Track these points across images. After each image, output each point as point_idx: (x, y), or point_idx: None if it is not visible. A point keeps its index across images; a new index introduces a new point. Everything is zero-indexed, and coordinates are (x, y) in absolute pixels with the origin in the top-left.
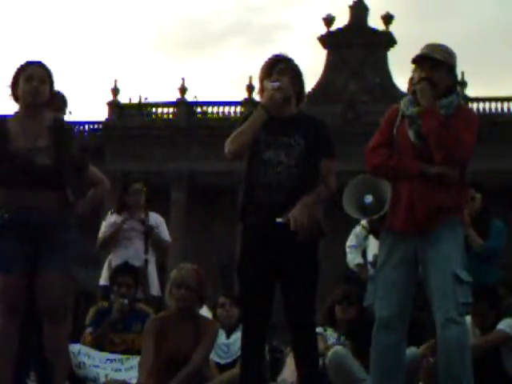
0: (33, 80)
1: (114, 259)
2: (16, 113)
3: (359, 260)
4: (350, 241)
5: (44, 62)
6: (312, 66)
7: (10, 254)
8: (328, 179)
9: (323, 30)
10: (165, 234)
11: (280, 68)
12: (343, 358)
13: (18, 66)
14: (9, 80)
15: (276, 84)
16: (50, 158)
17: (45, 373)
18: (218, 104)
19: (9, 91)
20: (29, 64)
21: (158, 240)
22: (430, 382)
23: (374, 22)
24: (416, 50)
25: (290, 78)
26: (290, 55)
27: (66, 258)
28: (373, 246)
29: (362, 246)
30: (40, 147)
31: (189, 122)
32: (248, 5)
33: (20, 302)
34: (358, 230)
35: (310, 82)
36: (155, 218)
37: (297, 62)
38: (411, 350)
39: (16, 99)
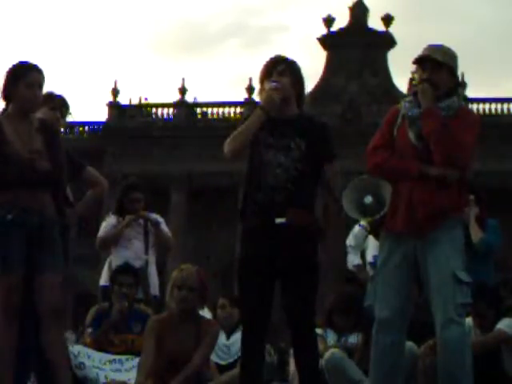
0: (34, 87)
1: (114, 260)
2: (4, 111)
3: (358, 261)
4: (349, 241)
5: (38, 64)
6: (310, 66)
7: (10, 255)
8: (332, 183)
9: (321, 31)
10: (167, 232)
11: (280, 69)
12: (340, 360)
13: (14, 67)
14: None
15: (274, 84)
16: (47, 160)
17: (45, 373)
18: (218, 105)
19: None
20: (28, 69)
21: (163, 236)
22: (427, 381)
23: (374, 22)
24: (416, 51)
25: (290, 79)
26: (290, 56)
27: (63, 259)
28: (372, 247)
29: (360, 247)
30: (36, 150)
31: (189, 122)
32: (245, 7)
33: (19, 303)
34: (356, 230)
35: (307, 83)
36: (155, 219)
37: (298, 63)
38: (409, 346)
39: (8, 99)
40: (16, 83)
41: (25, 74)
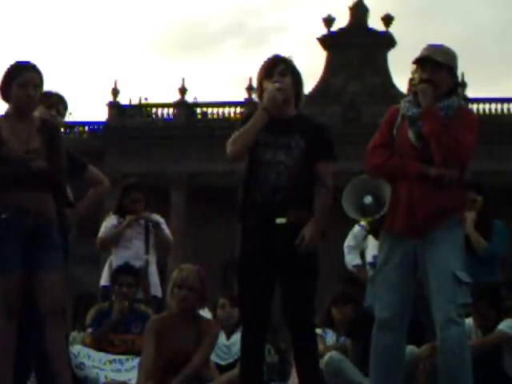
0: (27, 86)
1: (114, 260)
2: (6, 112)
3: (357, 261)
4: (348, 241)
5: (34, 62)
6: (310, 66)
7: (7, 255)
8: (326, 181)
9: (321, 31)
10: (168, 233)
11: (281, 69)
12: (339, 363)
13: (9, 66)
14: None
15: (278, 84)
16: (44, 160)
17: (45, 373)
18: (218, 105)
19: None
20: (23, 68)
21: (164, 236)
22: (428, 382)
23: (374, 22)
24: (416, 51)
25: (291, 79)
26: (289, 56)
27: (63, 259)
28: (371, 247)
29: (360, 247)
30: (33, 149)
31: (189, 122)
32: (244, 7)
33: (18, 303)
34: (356, 230)
35: (307, 83)
36: (157, 219)
37: (295, 62)
38: (409, 349)
39: (6, 99)
40: (10, 83)
41: (18, 74)
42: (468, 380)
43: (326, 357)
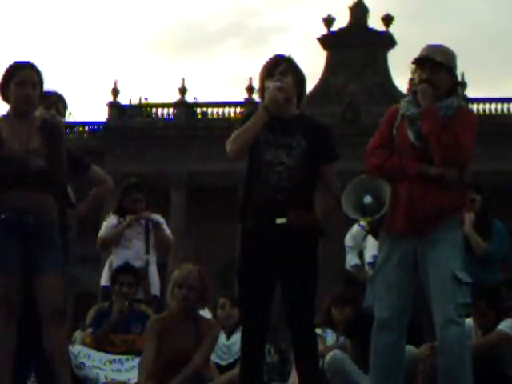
0: (25, 85)
1: (114, 260)
2: (7, 113)
3: (356, 261)
4: (347, 242)
5: (33, 61)
6: (310, 66)
7: (6, 255)
8: (332, 183)
9: (321, 31)
10: (168, 233)
11: (282, 68)
12: (341, 362)
13: (7, 66)
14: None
15: (278, 83)
16: (44, 159)
17: (45, 374)
18: (218, 105)
19: None
20: (21, 67)
21: (164, 236)
22: (428, 382)
23: (374, 22)
24: (416, 51)
25: (292, 79)
26: (291, 56)
27: (62, 259)
28: (371, 247)
29: (358, 247)
30: (33, 149)
31: (189, 122)
32: (244, 7)
33: (18, 303)
34: (354, 230)
35: (307, 83)
36: (157, 219)
37: (298, 62)
38: (408, 349)
39: (6, 99)
40: (8, 83)
41: (16, 73)
42: (468, 380)
43: (329, 356)
